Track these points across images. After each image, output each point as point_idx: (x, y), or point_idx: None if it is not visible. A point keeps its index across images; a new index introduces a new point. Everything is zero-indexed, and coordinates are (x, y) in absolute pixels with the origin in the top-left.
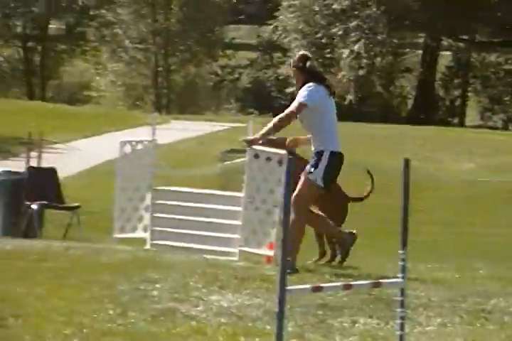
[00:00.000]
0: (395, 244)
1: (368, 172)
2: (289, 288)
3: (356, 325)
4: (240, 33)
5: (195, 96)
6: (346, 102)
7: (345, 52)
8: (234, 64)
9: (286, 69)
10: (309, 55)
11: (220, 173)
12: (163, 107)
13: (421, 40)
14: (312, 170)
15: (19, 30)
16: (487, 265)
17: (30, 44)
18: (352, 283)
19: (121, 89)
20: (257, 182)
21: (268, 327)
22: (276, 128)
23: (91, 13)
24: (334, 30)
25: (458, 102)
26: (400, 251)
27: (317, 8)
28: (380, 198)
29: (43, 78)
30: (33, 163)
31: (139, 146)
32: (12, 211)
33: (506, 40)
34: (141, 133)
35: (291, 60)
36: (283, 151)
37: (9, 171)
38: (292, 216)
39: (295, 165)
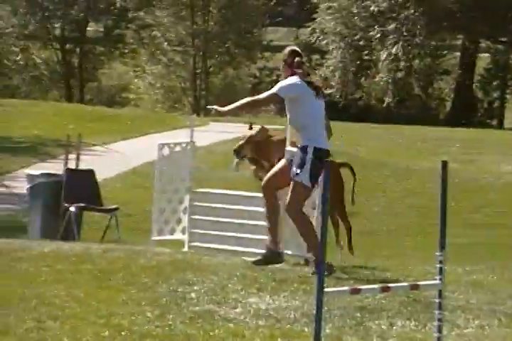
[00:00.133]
0: (433, 246)
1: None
2: (327, 290)
3: (394, 327)
4: (278, 35)
5: (234, 98)
6: (384, 105)
7: (384, 54)
8: (272, 66)
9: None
10: (299, 51)
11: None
12: (201, 109)
13: (459, 42)
14: (298, 171)
15: (58, 32)
16: None
17: (68, 46)
18: (390, 285)
19: (159, 92)
20: None
21: (306, 329)
22: (240, 109)
23: (129, 15)
24: (372, 33)
25: (496, 104)
26: (438, 253)
27: (355, 10)
28: (419, 200)
29: (81, 80)
30: (72, 165)
31: (177, 148)
32: (50, 213)
33: None
34: (180, 135)
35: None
36: None
37: (48, 173)
38: (294, 223)
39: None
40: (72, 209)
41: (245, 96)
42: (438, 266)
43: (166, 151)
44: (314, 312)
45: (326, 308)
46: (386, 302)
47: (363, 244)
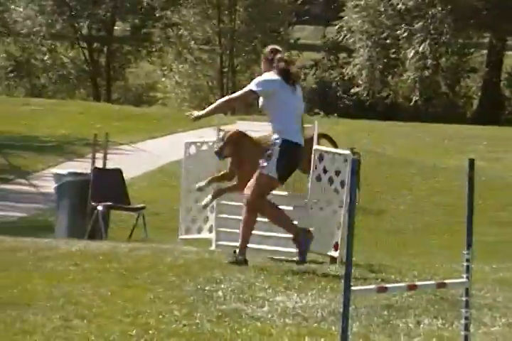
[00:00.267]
0: (460, 244)
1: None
2: (353, 288)
3: (421, 325)
4: (304, 33)
5: None
6: (411, 103)
7: (411, 52)
8: (299, 64)
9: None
10: (280, 49)
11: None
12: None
13: (486, 40)
14: (265, 164)
15: (85, 31)
16: None
17: (95, 45)
18: (417, 283)
19: (186, 90)
20: (322, 182)
21: (333, 327)
22: (217, 109)
23: (156, 14)
24: (399, 31)
25: None
26: (465, 252)
27: (382, 9)
28: (446, 198)
29: (108, 79)
30: (99, 164)
31: (204, 147)
32: (78, 212)
33: None
34: (207, 134)
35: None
36: (347, 151)
37: (75, 172)
38: (244, 212)
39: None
40: (99, 208)
41: None
42: (465, 264)
43: (192, 150)
44: (341, 310)
45: (353, 306)
46: (413, 300)
47: (390, 243)
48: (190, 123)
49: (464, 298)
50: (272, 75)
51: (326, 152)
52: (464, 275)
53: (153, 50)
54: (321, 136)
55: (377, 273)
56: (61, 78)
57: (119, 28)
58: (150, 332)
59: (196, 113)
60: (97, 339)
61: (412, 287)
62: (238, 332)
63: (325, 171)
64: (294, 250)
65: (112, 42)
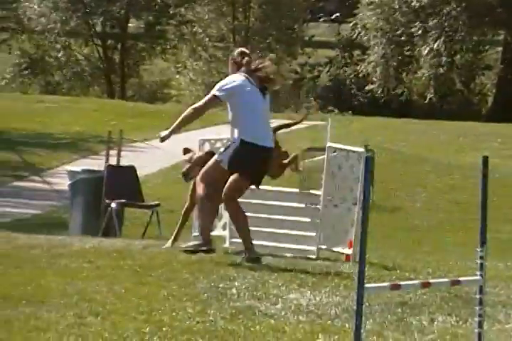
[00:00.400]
0: (474, 242)
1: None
2: (367, 286)
3: (435, 322)
4: (319, 30)
5: (275, 94)
6: (426, 100)
7: (425, 49)
8: (313, 62)
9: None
10: (248, 52)
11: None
12: None
13: (501, 37)
14: (222, 150)
15: (99, 28)
16: None
17: (109, 42)
18: (431, 280)
19: (200, 88)
20: (336, 180)
21: (347, 325)
22: (185, 122)
23: (170, 11)
24: (414, 28)
25: None
26: (478, 249)
27: (397, 6)
28: (460, 195)
29: (123, 77)
30: (113, 162)
31: (218, 144)
32: (92, 209)
33: None
34: (222, 131)
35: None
36: (361, 149)
37: (89, 170)
38: (198, 192)
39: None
40: (113, 205)
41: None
42: (479, 261)
43: (206, 147)
44: (355, 307)
45: (366, 304)
46: (427, 297)
47: (404, 240)
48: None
49: (477, 296)
50: (235, 77)
51: (340, 149)
52: (478, 273)
53: (168, 47)
54: (278, 128)
55: (391, 271)
56: (75, 75)
57: (133, 25)
58: (164, 329)
59: (163, 133)
60: (110, 337)
61: (426, 284)
62: (252, 329)
63: (339, 168)
64: (309, 247)
65: (126, 40)
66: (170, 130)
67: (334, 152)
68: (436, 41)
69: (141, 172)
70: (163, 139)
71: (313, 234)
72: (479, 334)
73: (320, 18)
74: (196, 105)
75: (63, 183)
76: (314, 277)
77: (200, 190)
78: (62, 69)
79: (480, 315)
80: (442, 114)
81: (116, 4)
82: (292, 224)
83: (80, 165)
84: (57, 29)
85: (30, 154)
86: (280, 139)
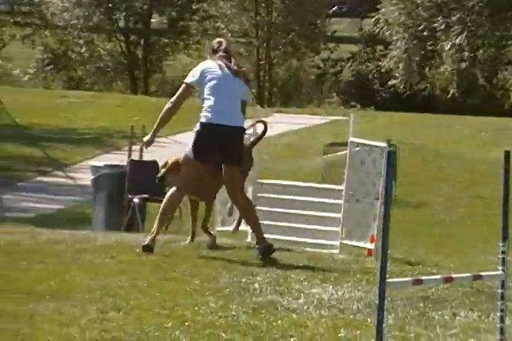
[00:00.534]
0: (496, 236)
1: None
2: (389, 280)
3: (457, 317)
4: (341, 26)
5: (298, 89)
6: (449, 95)
7: (448, 44)
8: (336, 57)
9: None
10: (224, 41)
11: (322, 166)
12: (265, 101)
13: None
14: (189, 144)
15: (122, 24)
16: None
17: (132, 38)
18: (453, 275)
19: None
20: (359, 174)
21: (369, 319)
22: (165, 119)
23: (193, 7)
24: (436, 23)
25: None
26: (500, 244)
27: (419, 1)
28: (483, 190)
29: (146, 72)
30: (135, 157)
31: None
32: (114, 204)
33: None
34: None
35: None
36: (384, 143)
37: (112, 165)
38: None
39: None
40: (135, 200)
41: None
42: (501, 256)
43: None
44: (377, 302)
45: (389, 299)
46: (449, 292)
47: (427, 235)
48: None
49: (499, 290)
50: (203, 63)
51: (363, 144)
52: (500, 268)
53: (191, 42)
54: (259, 121)
55: (413, 266)
56: (98, 70)
57: (156, 20)
58: (186, 323)
59: (146, 138)
60: (133, 331)
61: (448, 279)
62: (274, 323)
63: (362, 163)
64: (331, 242)
65: (149, 35)
66: (151, 133)
67: (357, 147)
68: (458, 36)
69: None
70: (147, 144)
71: (336, 228)
72: (501, 329)
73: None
74: (172, 99)
75: (86, 178)
76: (336, 272)
77: (174, 188)
78: (85, 64)
79: (502, 310)
80: (465, 108)
81: (139, 0)
82: (315, 219)
83: (103, 160)
84: (80, 24)
85: (53, 149)
86: (303, 135)
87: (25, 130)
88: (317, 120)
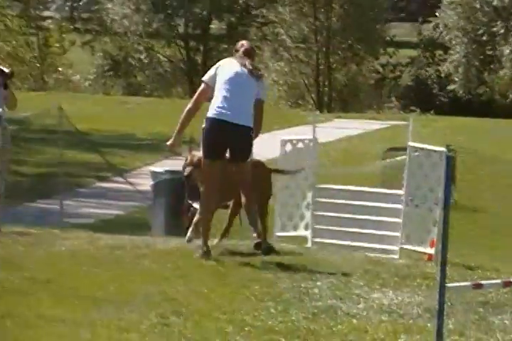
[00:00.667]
0: None
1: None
2: (449, 285)
3: None
4: (400, 30)
5: (357, 94)
6: (508, 100)
7: (507, 49)
8: (395, 62)
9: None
10: (247, 43)
11: (381, 171)
12: (324, 105)
13: None
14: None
15: (181, 30)
16: None
17: (192, 44)
18: None
19: (282, 88)
20: (418, 179)
21: (429, 324)
22: (186, 119)
23: (252, 12)
24: (496, 28)
25: None
26: None
27: (478, 5)
28: None
29: None
30: None
31: (300, 145)
32: (174, 210)
33: None
34: (303, 132)
35: None
36: (443, 148)
37: (171, 170)
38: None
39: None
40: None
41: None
42: None
43: (288, 147)
44: (437, 307)
45: (448, 303)
46: (509, 296)
47: (486, 239)
48: (286, 121)
49: None
50: (221, 61)
51: (422, 149)
52: None
53: None
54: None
55: (473, 270)
56: (158, 76)
57: (216, 26)
58: (246, 329)
59: (169, 141)
60: (193, 337)
61: (508, 283)
62: (334, 328)
63: (420, 168)
64: (391, 247)
65: (208, 41)
66: (174, 135)
67: (415, 152)
68: None
69: None
70: (172, 147)
71: (396, 233)
72: None
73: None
74: (192, 98)
75: (146, 184)
76: (396, 277)
77: (202, 189)
78: (144, 70)
79: None
80: None
81: (198, 5)
82: (376, 224)
83: (162, 165)
84: (139, 31)
85: (113, 155)
86: (362, 140)
87: (84, 136)
88: (376, 125)
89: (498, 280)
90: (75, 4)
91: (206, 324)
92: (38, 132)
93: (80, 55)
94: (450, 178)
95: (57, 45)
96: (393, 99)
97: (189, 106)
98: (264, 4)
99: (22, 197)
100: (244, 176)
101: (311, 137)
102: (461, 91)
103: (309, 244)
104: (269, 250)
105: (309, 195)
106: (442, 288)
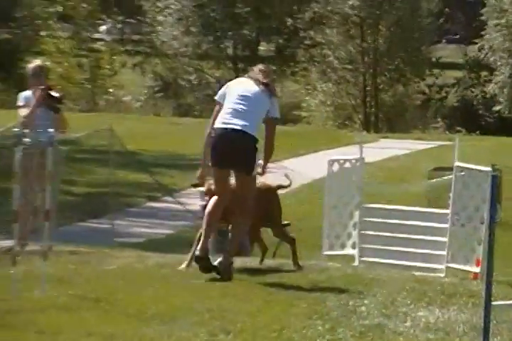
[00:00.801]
0: None
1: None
2: (494, 303)
3: None
4: (446, 52)
5: (403, 114)
6: None
7: None
8: (441, 83)
9: None
10: (262, 64)
11: (428, 190)
12: (371, 126)
13: None
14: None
15: (230, 51)
16: None
17: (240, 65)
18: None
19: (330, 109)
20: (463, 199)
21: None
22: (207, 144)
23: (300, 34)
24: None
25: None
26: None
27: None
28: None
29: None
30: None
31: (347, 164)
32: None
33: None
34: (350, 152)
35: None
36: (488, 168)
37: None
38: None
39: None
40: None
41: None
42: None
43: (335, 167)
44: (482, 325)
45: (494, 321)
46: None
47: None
48: (333, 142)
49: None
50: (233, 80)
51: (468, 168)
52: None
53: (298, 69)
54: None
55: None
56: (207, 97)
57: (264, 48)
58: None
59: (198, 174)
60: None
61: None
62: None
63: (466, 188)
64: (437, 265)
65: (256, 62)
66: (201, 166)
67: (461, 171)
68: None
69: None
70: (202, 177)
71: (442, 252)
72: None
73: (447, 39)
74: (210, 122)
75: (196, 204)
76: (442, 295)
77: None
78: (194, 91)
79: None
80: None
81: (247, 28)
82: (422, 243)
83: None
84: (189, 52)
85: (162, 175)
86: (409, 159)
87: (134, 155)
88: (422, 145)
89: None
90: (125, 26)
91: None
92: (89, 152)
93: (130, 77)
94: (495, 197)
95: (108, 66)
96: (439, 119)
97: (208, 130)
98: (312, 26)
99: (73, 216)
100: (245, 192)
101: (358, 157)
102: (506, 112)
103: (356, 263)
104: (225, 271)
105: (356, 214)
106: (488, 306)
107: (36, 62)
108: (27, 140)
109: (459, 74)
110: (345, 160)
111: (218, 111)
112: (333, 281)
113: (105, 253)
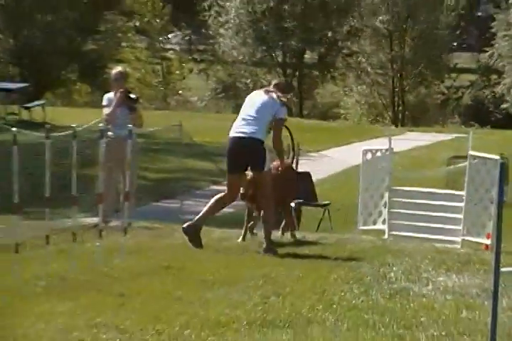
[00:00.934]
0: None
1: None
2: (503, 269)
3: None
4: (462, 59)
5: (425, 112)
6: None
7: None
8: (457, 85)
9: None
10: (277, 81)
11: (446, 175)
12: (399, 121)
13: None
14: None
15: (280, 59)
16: None
17: (288, 71)
18: None
19: (364, 107)
20: (476, 182)
21: (486, 302)
22: None
23: (339, 44)
24: None
25: None
26: None
27: None
28: None
29: (300, 99)
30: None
31: (378, 154)
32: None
33: None
34: (381, 143)
35: None
36: (497, 156)
37: None
38: None
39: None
40: (292, 204)
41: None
42: None
43: (369, 156)
44: (492, 288)
45: (502, 285)
46: None
47: None
48: (367, 135)
49: None
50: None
51: (479, 157)
52: None
53: (337, 74)
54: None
55: None
56: None
57: (308, 56)
58: (333, 306)
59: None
60: (289, 313)
61: None
62: (407, 306)
63: (478, 173)
64: (454, 238)
65: (302, 68)
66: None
67: (474, 159)
68: None
69: (315, 177)
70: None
71: (458, 227)
72: None
73: (462, 48)
74: None
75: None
76: (459, 263)
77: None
78: (249, 93)
79: None
80: None
81: (294, 39)
82: (441, 219)
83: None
84: (246, 60)
85: (223, 163)
86: (430, 149)
87: (198, 146)
88: (441, 137)
89: None
90: (192, 38)
91: (300, 302)
92: (161, 144)
93: (196, 81)
94: (503, 181)
95: (178, 72)
96: (456, 115)
97: None
98: (349, 38)
99: (148, 197)
100: (262, 189)
101: (387, 147)
102: None
103: (386, 236)
104: (269, 250)
105: (386, 195)
106: (497, 272)
107: (117, 68)
108: (110, 134)
109: (472, 77)
110: (377, 150)
111: None
112: (366, 251)
113: (175, 228)
